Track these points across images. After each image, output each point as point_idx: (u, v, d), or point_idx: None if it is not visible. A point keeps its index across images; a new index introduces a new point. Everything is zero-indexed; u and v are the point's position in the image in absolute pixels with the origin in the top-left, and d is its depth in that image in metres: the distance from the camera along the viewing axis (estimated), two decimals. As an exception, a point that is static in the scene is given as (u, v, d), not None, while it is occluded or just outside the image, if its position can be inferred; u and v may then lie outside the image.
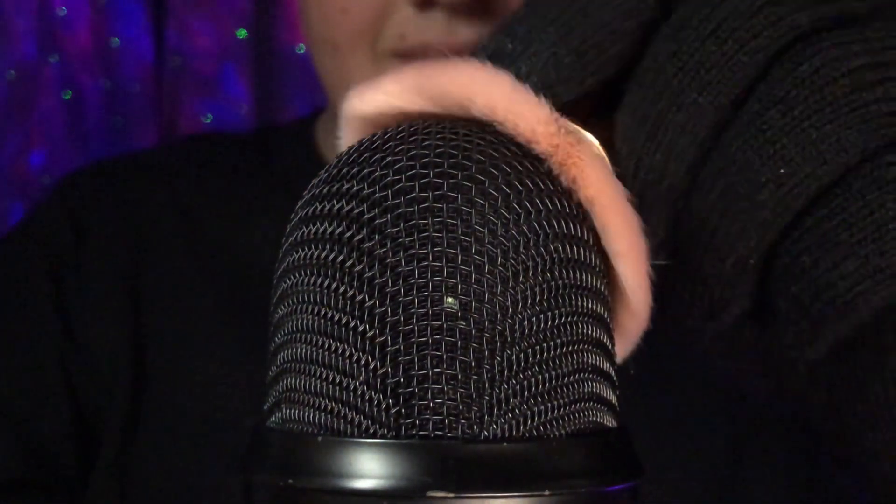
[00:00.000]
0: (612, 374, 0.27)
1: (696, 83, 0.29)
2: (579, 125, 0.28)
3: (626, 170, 0.29)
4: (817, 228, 0.28)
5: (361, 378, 0.25)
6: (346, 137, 0.30)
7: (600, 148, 0.28)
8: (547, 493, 0.24)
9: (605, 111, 0.30)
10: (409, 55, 0.54)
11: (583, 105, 0.30)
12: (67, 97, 0.83)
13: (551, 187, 0.26)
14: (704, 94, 0.29)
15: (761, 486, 0.58)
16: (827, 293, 0.29)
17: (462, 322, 0.25)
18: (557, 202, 0.26)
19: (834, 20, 0.29)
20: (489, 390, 0.25)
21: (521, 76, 0.29)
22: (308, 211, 0.27)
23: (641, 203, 0.29)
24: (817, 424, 0.34)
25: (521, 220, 0.26)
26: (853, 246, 0.28)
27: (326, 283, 0.26)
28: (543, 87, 0.29)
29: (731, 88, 0.29)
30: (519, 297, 0.25)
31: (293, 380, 0.26)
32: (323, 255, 0.26)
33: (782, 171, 0.28)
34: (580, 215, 0.27)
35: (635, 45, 0.30)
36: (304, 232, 0.27)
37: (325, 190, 0.27)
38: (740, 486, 0.57)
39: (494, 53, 0.30)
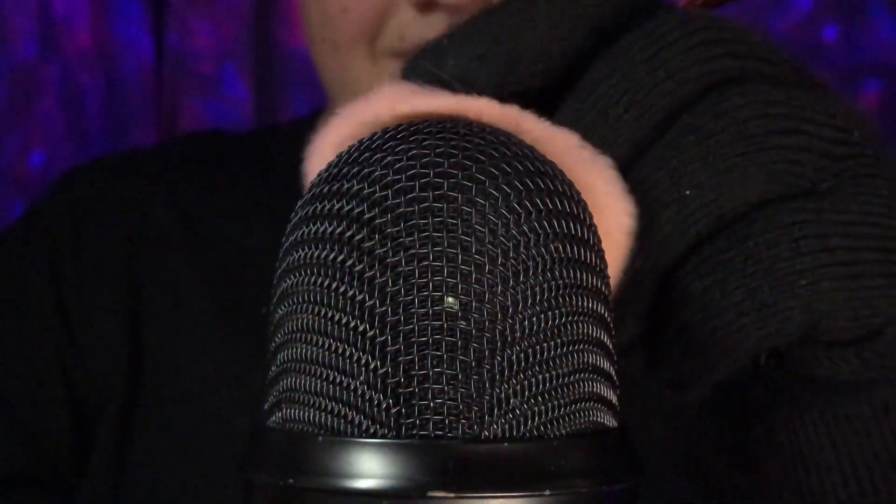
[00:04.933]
0: (613, 374, 0.27)
1: (623, 101, 0.30)
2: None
3: None
4: (713, 257, 0.30)
5: (362, 378, 0.25)
6: (326, 138, 0.31)
7: None
8: (547, 492, 0.24)
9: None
10: (408, 56, 0.54)
11: (519, 104, 0.31)
12: (67, 97, 0.83)
13: (552, 187, 0.26)
14: (630, 111, 0.30)
15: None
16: (712, 321, 0.29)
17: (462, 322, 0.25)
18: (558, 202, 0.26)
19: (759, 73, 0.30)
20: (489, 390, 0.25)
21: (445, 67, 0.31)
22: (308, 210, 0.27)
23: None
24: (708, 465, 0.35)
25: (522, 220, 0.26)
26: (745, 278, 0.29)
27: (327, 282, 0.26)
28: (464, 81, 0.31)
29: (657, 112, 0.30)
30: (519, 296, 0.25)
31: (293, 379, 0.26)
32: (323, 255, 0.26)
33: (687, 192, 0.29)
34: (581, 215, 0.27)
35: (568, 63, 0.31)
36: (304, 231, 0.27)
37: (325, 189, 0.27)
38: None
39: (430, 48, 0.32)
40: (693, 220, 0.29)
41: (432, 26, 0.52)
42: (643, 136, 0.30)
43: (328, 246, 0.26)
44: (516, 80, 0.31)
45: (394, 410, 0.25)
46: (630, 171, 0.30)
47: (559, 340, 0.26)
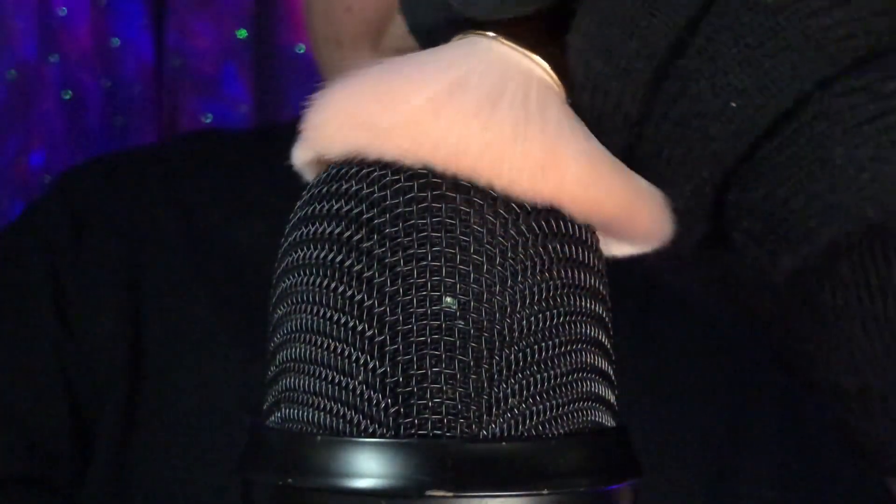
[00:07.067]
0: (611, 373, 0.27)
1: (649, 3, 0.27)
2: (528, 48, 0.27)
3: (581, 96, 0.28)
4: (767, 162, 0.27)
5: (360, 378, 0.25)
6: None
7: (552, 74, 0.27)
8: (545, 492, 0.24)
9: (556, 31, 0.29)
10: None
11: (534, 26, 0.28)
12: (67, 97, 0.83)
13: None
14: (659, 15, 0.27)
15: (757, 472, 0.58)
16: (778, 229, 0.28)
17: (461, 322, 0.25)
18: None
19: None
20: (488, 390, 0.25)
21: None
22: (307, 211, 0.27)
23: (599, 131, 0.28)
24: (781, 345, 0.33)
25: (520, 220, 0.26)
26: (802, 181, 0.27)
27: (325, 282, 0.26)
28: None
29: (686, 9, 0.27)
30: (517, 296, 0.25)
31: (292, 379, 0.26)
32: (322, 255, 0.26)
33: (734, 104, 0.27)
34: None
35: None
36: (303, 232, 0.27)
37: (324, 190, 0.27)
38: (736, 472, 0.57)
39: None
40: (745, 132, 0.27)
41: None
42: (677, 38, 0.27)
43: (327, 246, 0.26)
44: None
45: (392, 410, 0.25)
46: (667, 83, 0.27)
47: (557, 340, 0.26)
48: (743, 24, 0.27)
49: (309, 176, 0.29)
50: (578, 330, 0.26)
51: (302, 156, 0.28)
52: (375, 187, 0.26)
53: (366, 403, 0.25)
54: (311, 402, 0.26)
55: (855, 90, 0.27)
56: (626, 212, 0.27)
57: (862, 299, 0.30)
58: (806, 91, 0.27)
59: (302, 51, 0.86)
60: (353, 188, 0.26)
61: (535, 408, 0.25)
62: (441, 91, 0.26)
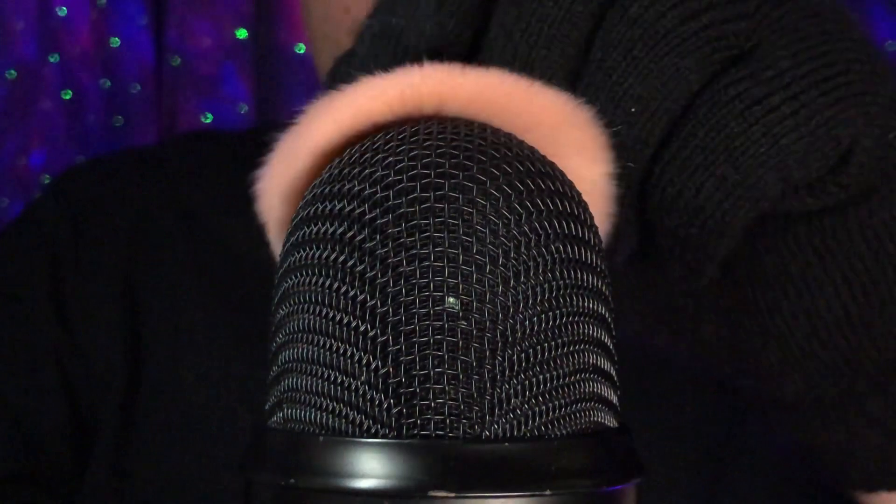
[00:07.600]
0: (614, 374, 0.27)
1: (542, 40, 0.30)
2: None
3: None
4: (675, 159, 0.30)
5: (363, 378, 0.25)
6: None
7: None
8: (548, 492, 0.24)
9: None
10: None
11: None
12: (67, 97, 0.83)
13: (552, 188, 0.26)
14: (552, 48, 0.30)
15: (753, 473, 0.58)
16: (697, 218, 0.30)
17: (463, 322, 0.25)
18: (559, 202, 0.26)
19: None
20: (490, 390, 0.25)
21: (410, 48, 0.31)
22: (309, 211, 0.27)
23: None
24: (716, 363, 0.35)
25: (523, 220, 0.26)
26: (708, 167, 0.30)
27: (328, 283, 0.26)
28: (434, 53, 0.30)
29: (575, 39, 0.30)
30: (520, 296, 0.25)
31: (294, 380, 0.26)
32: (324, 256, 0.26)
33: (633, 110, 0.29)
34: (582, 216, 0.27)
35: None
36: (305, 232, 0.27)
37: (326, 190, 0.27)
38: (732, 471, 0.57)
39: (382, 32, 0.32)
40: (648, 134, 0.30)
41: None
42: (573, 66, 0.30)
43: (329, 246, 0.26)
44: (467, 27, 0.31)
45: (395, 410, 0.25)
46: None
47: (560, 341, 0.26)
48: (628, 39, 0.29)
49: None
50: (581, 330, 0.26)
51: (272, 233, 0.31)
52: (378, 187, 0.26)
53: (368, 404, 0.25)
54: (313, 402, 0.26)
55: (739, 79, 0.29)
56: (558, 112, 0.29)
57: (787, 293, 0.33)
58: (694, 89, 0.30)
59: (302, 51, 0.86)
60: (356, 188, 0.26)
61: (537, 408, 0.25)
62: (348, 93, 0.28)
